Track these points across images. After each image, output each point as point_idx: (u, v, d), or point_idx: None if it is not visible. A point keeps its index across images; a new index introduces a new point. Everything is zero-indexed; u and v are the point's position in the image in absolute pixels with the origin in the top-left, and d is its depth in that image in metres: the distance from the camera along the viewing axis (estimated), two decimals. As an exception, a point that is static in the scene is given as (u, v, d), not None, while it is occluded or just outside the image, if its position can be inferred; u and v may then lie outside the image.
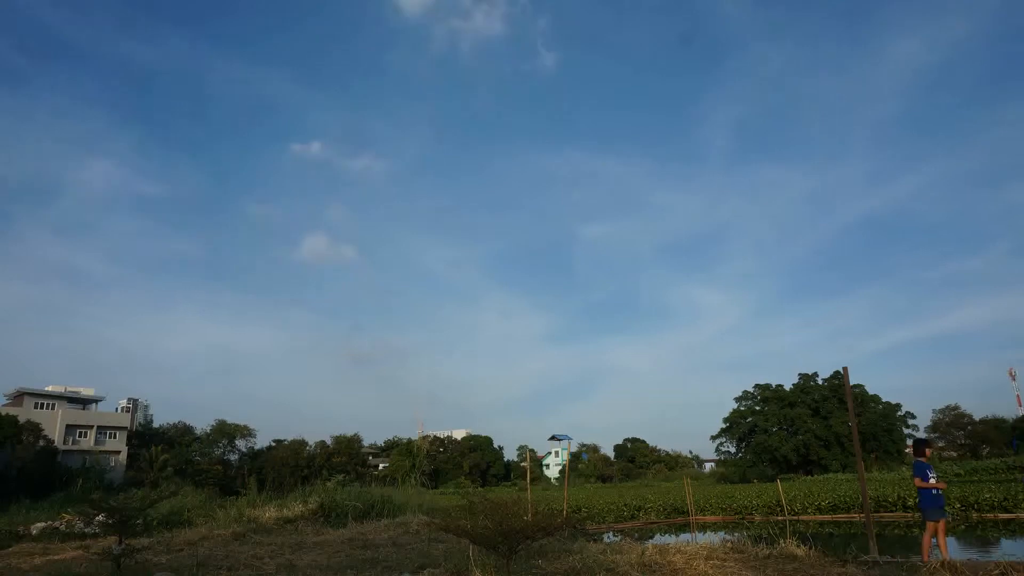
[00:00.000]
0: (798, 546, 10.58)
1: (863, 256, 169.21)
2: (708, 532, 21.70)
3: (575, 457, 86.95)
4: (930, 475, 9.91)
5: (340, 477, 47.18)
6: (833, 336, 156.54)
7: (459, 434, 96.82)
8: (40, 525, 20.30)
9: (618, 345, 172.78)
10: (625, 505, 28.85)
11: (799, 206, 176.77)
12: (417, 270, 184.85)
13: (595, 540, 15.20)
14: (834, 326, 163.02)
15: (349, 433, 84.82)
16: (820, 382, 63.69)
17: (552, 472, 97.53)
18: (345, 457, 79.79)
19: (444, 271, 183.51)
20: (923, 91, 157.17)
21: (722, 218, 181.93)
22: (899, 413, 61.55)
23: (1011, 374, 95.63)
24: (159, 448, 64.97)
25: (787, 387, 64.91)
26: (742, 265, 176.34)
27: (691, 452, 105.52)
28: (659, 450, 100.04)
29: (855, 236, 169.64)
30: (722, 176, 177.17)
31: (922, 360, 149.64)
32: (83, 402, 67.61)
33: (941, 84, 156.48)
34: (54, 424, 61.31)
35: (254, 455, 79.05)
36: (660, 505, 28.29)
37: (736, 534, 18.37)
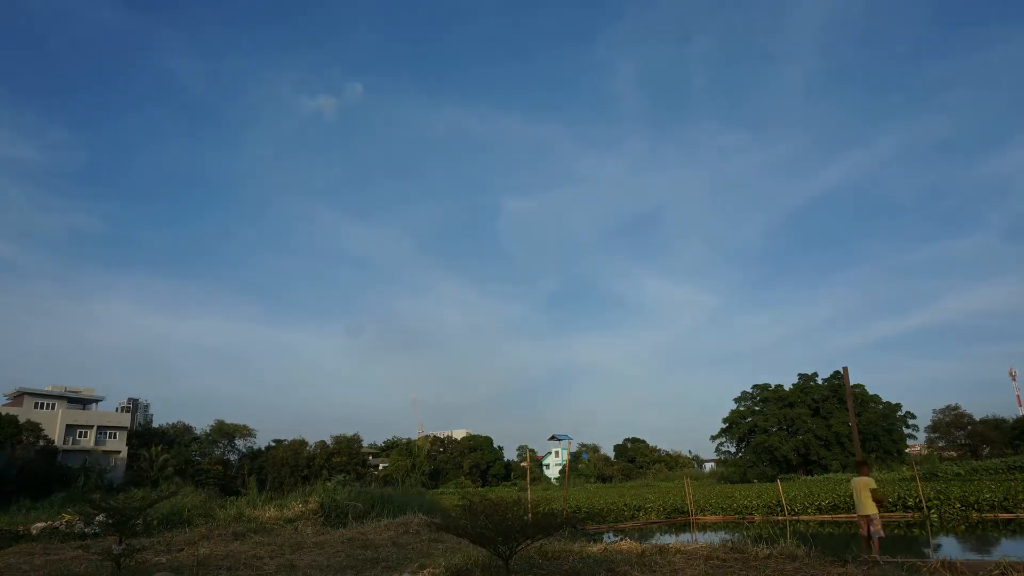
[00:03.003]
0: (798, 546, 10.57)
1: (835, 239, 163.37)
2: (708, 532, 21.70)
3: (575, 457, 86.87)
4: None
5: (340, 477, 47.25)
6: (813, 330, 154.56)
7: (459, 434, 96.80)
8: (40, 525, 20.27)
9: (590, 342, 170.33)
10: (625, 505, 28.85)
11: (743, 183, 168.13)
12: (336, 253, 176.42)
13: (595, 540, 15.18)
14: (814, 319, 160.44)
15: (349, 433, 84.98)
16: (820, 382, 63.65)
17: (552, 472, 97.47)
18: (345, 457, 79.72)
19: (372, 255, 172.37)
20: (856, 42, 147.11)
21: (661, 196, 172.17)
22: (899, 413, 61.52)
23: (1011, 374, 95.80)
24: (159, 448, 64.92)
25: (787, 387, 64.88)
26: (697, 253, 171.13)
27: (691, 452, 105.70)
28: (659, 450, 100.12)
29: (821, 215, 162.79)
30: (649, 141, 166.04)
31: (915, 355, 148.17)
32: (83, 402, 67.55)
33: (879, 35, 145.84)
34: (54, 424, 61.31)
35: (254, 455, 79.03)
36: (660, 505, 28.29)
37: (736, 534, 18.36)
